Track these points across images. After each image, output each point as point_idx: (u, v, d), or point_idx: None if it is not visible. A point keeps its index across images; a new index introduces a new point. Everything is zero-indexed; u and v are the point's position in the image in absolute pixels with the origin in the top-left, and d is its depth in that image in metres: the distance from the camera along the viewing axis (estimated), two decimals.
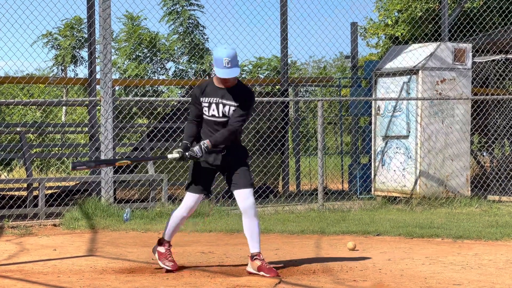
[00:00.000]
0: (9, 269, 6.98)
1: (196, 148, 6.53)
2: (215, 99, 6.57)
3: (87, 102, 13.57)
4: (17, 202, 10.96)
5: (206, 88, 6.63)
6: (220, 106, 6.57)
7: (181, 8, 26.52)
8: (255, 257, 6.62)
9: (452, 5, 18.11)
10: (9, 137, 17.19)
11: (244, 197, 6.60)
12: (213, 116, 6.59)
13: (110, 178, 11.13)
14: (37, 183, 11.23)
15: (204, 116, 6.64)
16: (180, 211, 6.77)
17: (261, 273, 6.54)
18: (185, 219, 6.84)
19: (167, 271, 6.74)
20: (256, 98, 12.79)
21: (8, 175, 19.91)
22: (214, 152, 6.63)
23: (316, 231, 9.65)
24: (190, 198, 6.74)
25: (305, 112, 19.89)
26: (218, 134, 6.57)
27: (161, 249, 6.86)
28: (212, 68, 6.71)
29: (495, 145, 16.53)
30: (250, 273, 6.62)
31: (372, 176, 13.64)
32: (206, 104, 6.59)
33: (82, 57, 28.03)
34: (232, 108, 6.56)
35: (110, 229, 10.02)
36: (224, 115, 6.58)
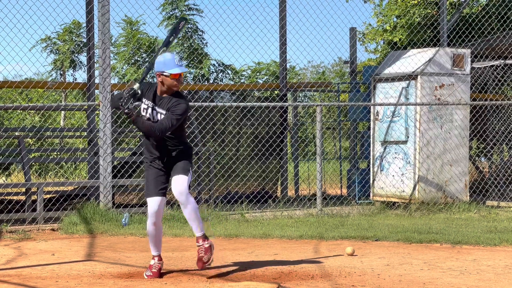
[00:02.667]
0: (7, 274, 6.97)
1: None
2: (151, 103, 6.68)
3: (85, 107, 13.58)
4: (16, 207, 10.95)
5: (150, 90, 6.70)
6: (154, 112, 6.67)
7: (180, 12, 26.54)
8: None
9: (451, 10, 18.13)
10: (7, 142, 17.19)
11: (174, 183, 6.63)
12: (148, 119, 6.68)
13: (108, 183, 11.12)
14: (36, 188, 11.22)
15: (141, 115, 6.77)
16: (149, 220, 6.78)
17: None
18: (157, 226, 6.80)
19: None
20: (254, 103, 12.86)
21: (6, 180, 19.90)
22: (157, 158, 6.72)
23: (315, 236, 9.65)
24: (150, 203, 6.73)
25: (303, 117, 19.89)
26: (146, 123, 6.60)
27: (151, 261, 6.89)
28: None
29: (494, 151, 16.53)
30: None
31: (371, 181, 13.64)
32: (145, 106, 6.70)
33: (81, 62, 28.05)
34: (162, 116, 6.65)
35: (109, 233, 10.01)
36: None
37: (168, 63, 6.57)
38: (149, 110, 6.69)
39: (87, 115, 13.78)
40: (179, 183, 6.62)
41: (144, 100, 6.73)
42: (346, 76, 31.21)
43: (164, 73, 6.57)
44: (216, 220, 11.13)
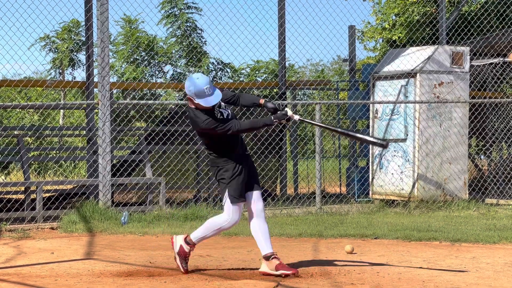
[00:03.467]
0: (7, 273, 6.97)
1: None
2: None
3: (84, 105, 13.57)
4: (15, 205, 10.95)
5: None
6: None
7: (179, 11, 26.54)
8: (272, 256, 6.66)
9: (450, 8, 18.13)
10: (6, 140, 17.20)
11: (257, 198, 6.74)
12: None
13: (107, 181, 11.12)
14: (35, 186, 11.22)
15: None
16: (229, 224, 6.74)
17: (279, 271, 6.61)
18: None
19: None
20: None
21: (5, 178, 19.90)
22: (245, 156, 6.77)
23: (314, 234, 9.65)
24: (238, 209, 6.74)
25: (303, 115, 19.90)
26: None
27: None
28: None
29: (493, 148, 16.54)
30: (265, 274, 6.67)
31: (370, 179, 13.64)
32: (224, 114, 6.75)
33: (79, 60, 28.07)
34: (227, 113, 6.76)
35: (108, 232, 10.01)
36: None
37: (199, 94, 6.52)
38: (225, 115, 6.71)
39: (86, 114, 13.77)
40: (260, 199, 6.75)
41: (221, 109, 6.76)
42: (345, 74, 31.20)
43: (195, 101, 6.55)
44: None
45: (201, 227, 6.85)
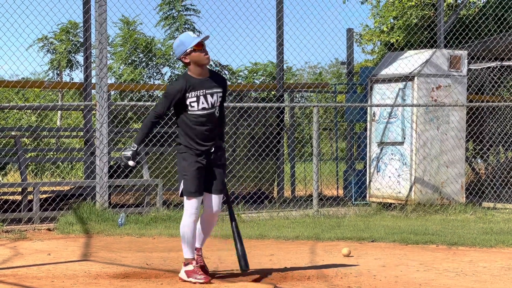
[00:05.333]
0: (3, 274, 6.96)
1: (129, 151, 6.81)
2: (201, 91, 6.41)
3: (82, 107, 13.57)
4: (12, 207, 10.93)
5: (189, 82, 6.41)
6: (208, 97, 6.42)
7: (177, 13, 26.53)
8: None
9: (448, 12, 18.15)
10: (4, 141, 17.19)
11: (216, 203, 6.55)
12: (203, 109, 6.40)
13: (105, 183, 11.12)
14: (32, 188, 11.21)
15: (188, 112, 6.40)
16: (189, 219, 6.46)
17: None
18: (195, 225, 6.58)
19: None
20: (251, 104, 12.86)
21: (2, 179, 19.87)
22: (205, 152, 6.45)
23: (311, 237, 9.65)
24: (193, 203, 6.44)
25: (300, 118, 19.90)
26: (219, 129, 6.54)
27: (189, 267, 6.53)
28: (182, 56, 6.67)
29: (490, 152, 16.55)
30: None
31: (367, 183, 13.64)
32: (194, 99, 6.39)
33: (77, 62, 28.04)
34: (219, 95, 6.48)
35: (105, 234, 10.00)
36: (213, 105, 6.44)
37: (187, 40, 6.40)
38: (202, 99, 6.39)
39: (84, 115, 13.76)
40: (217, 204, 6.56)
41: (189, 94, 6.37)
42: (343, 77, 31.22)
43: (187, 51, 6.38)
44: None
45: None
